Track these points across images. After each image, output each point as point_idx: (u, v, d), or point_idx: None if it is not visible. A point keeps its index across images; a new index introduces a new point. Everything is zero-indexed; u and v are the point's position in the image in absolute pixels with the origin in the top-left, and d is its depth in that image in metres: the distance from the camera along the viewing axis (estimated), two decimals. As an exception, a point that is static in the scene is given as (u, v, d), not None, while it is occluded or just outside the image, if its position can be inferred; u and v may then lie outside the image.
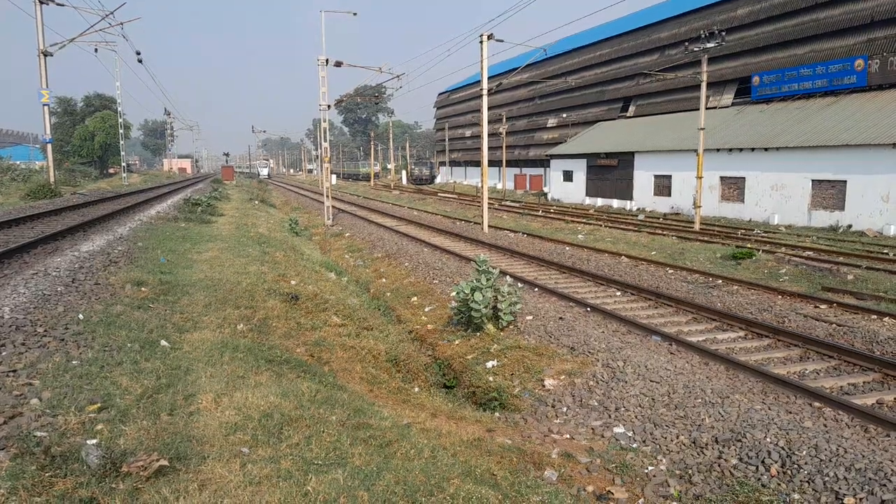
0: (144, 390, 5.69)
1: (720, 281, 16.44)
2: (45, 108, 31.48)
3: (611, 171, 46.33)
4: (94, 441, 4.48)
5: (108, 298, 8.92)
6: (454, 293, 11.95)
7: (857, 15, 33.38)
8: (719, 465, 6.48)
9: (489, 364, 10.37)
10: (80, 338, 6.89)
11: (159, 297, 9.61)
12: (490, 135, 34.05)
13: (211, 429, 5.11)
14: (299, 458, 4.79)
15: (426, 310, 14.53)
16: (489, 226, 28.93)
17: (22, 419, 4.75)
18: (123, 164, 59.72)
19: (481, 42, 27.12)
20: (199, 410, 5.46)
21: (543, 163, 61.17)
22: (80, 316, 7.71)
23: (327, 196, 34.85)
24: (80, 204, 24.23)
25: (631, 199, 44.33)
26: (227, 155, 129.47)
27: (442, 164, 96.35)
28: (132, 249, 13.84)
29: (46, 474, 3.97)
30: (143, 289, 9.87)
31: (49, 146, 33.15)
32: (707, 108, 31.63)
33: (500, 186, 67.31)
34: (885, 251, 21.56)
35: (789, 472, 6.23)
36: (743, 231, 28.19)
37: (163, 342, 7.30)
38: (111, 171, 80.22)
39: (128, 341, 7.02)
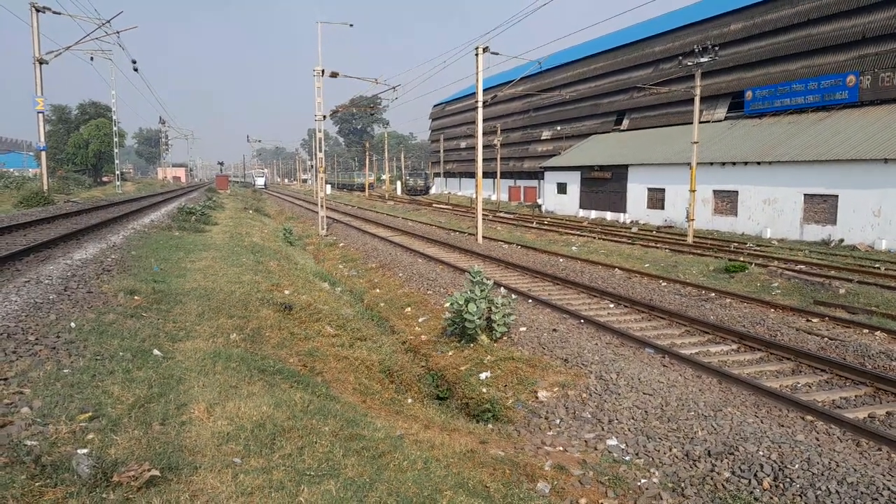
0: (136, 399, 5.65)
1: (713, 294, 16.50)
2: (40, 115, 31.46)
3: (604, 184, 46.53)
4: (84, 450, 4.45)
5: (101, 307, 8.88)
6: (448, 304, 11.95)
7: (848, 31, 33.75)
8: (712, 479, 6.48)
9: (482, 375, 10.35)
10: (71, 346, 6.85)
11: (152, 306, 9.57)
12: (485, 146, 34.24)
13: (203, 439, 5.08)
14: (292, 469, 4.77)
15: (420, 320, 14.52)
16: (483, 237, 28.97)
17: (12, 428, 4.71)
18: (117, 172, 59.56)
19: (477, 55, 27.26)
20: (191, 420, 5.43)
21: (538, 175, 61.40)
22: (72, 324, 7.67)
23: (322, 206, 34.86)
24: (73, 212, 24.14)
25: (624, 211, 44.50)
26: (221, 164, 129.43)
27: (437, 175, 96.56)
28: (125, 258, 13.79)
29: (36, 484, 3.94)
30: (135, 297, 9.83)
31: (43, 154, 33.08)
32: (700, 122, 31.82)
33: (494, 198, 67.48)
34: (876, 265, 21.69)
35: (781, 485, 6.23)
36: (736, 244, 28.31)
37: (155, 351, 7.26)
38: (105, 179, 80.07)
39: (120, 350, 6.99)
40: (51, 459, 4.25)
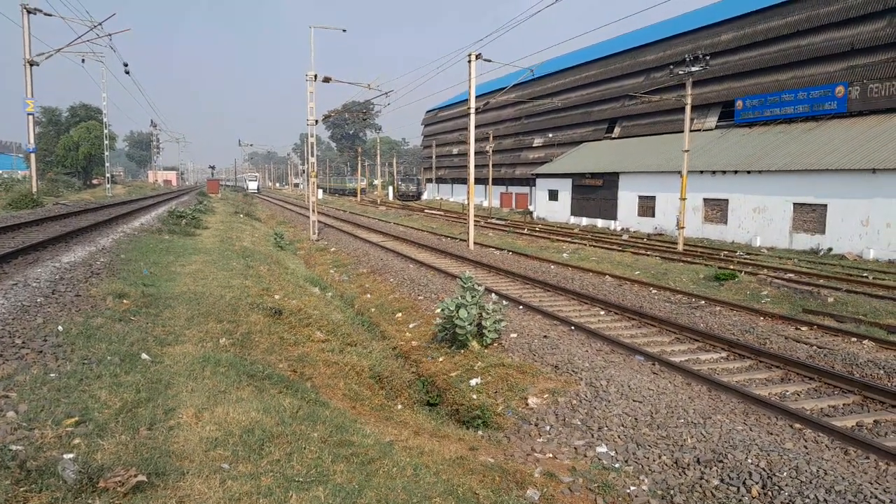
0: (124, 404, 5.61)
1: (703, 301, 16.57)
2: (30, 117, 31.31)
3: (596, 191, 46.72)
4: (70, 455, 4.40)
5: (89, 310, 8.81)
6: (439, 310, 11.94)
7: (838, 42, 34.10)
8: (701, 486, 6.49)
9: (473, 382, 10.34)
10: (58, 350, 6.79)
11: (141, 310, 9.51)
12: (476, 153, 34.30)
13: (191, 444, 5.05)
14: (280, 475, 4.74)
15: (411, 326, 14.49)
16: (475, 243, 28.99)
17: (-3, 432, 4.66)
18: (108, 175, 59.23)
19: (469, 61, 27.36)
20: (179, 425, 5.39)
21: (529, 181, 61.56)
22: (60, 328, 7.61)
23: (313, 211, 34.79)
24: (62, 214, 23.98)
25: (615, 218, 44.68)
26: (212, 168, 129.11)
27: (429, 180, 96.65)
28: (114, 261, 13.70)
29: (21, 489, 3.89)
30: (124, 301, 9.76)
31: (32, 156, 32.90)
32: (691, 131, 32.06)
33: (486, 204, 67.59)
34: (864, 275, 21.85)
35: (770, 493, 6.25)
36: (725, 252, 28.47)
37: (143, 355, 7.21)
38: (95, 181, 79.62)
39: (108, 354, 6.93)
40: (36, 464, 4.20)
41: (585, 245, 30.86)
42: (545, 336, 12.43)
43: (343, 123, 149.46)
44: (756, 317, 14.95)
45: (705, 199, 36.55)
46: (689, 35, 44.91)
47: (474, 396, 9.85)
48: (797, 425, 8.25)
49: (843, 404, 9.31)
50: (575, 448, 7.60)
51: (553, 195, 52.85)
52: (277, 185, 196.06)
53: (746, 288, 18.49)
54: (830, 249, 28.86)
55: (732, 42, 40.82)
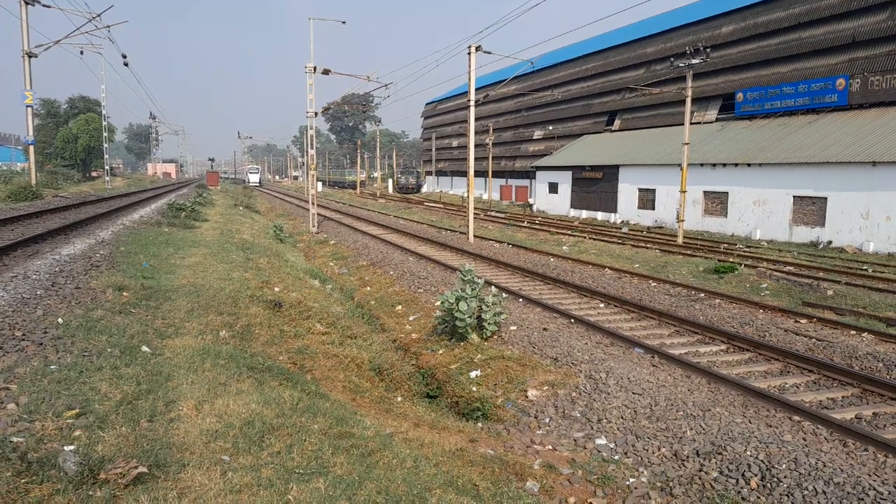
0: (124, 396, 5.61)
1: (702, 294, 16.58)
2: (29, 109, 31.19)
3: (596, 184, 46.67)
4: (71, 447, 4.41)
5: (89, 303, 8.81)
6: (439, 302, 11.95)
7: (838, 35, 33.99)
8: (700, 478, 6.51)
9: (473, 374, 10.36)
10: (59, 342, 6.79)
11: (141, 303, 9.51)
12: (476, 145, 34.25)
13: (191, 436, 5.06)
14: (280, 467, 4.75)
15: (411, 318, 14.51)
16: (475, 236, 28.97)
17: (-2, 424, 4.67)
18: (107, 167, 59.11)
19: (469, 54, 27.26)
20: (179, 417, 5.40)
21: (529, 174, 61.51)
22: (60, 320, 7.61)
23: (313, 203, 34.75)
24: (61, 207, 23.95)
25: (615, 211, 44.65)
26: (212, 160, 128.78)
27: (428, 173, 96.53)
28: (114, 254, 13.69)
29: (22, 480, 3.90)
30: (124, 293, 9.76)
31: (31, 148, 32.79)
32: (691, 124, 31.97)
33: (485, 197, 67.52)
34: (864, 267, 21.85)
35: (769, 485, 6.27)
36: (725, 245, 28.46)
37: (144, 348, 7.22)
38: (94, 174, 79.43)
39: (108, 346, 6.94)
40: (37, 456, 4.21)
41: (585, 238, 30.84)
42: (545, 328, 12.44)
43: (342, 116, 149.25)
44: (755, 309, 14.96)
45: (705, 192, 36.52)
46: (690, 27, 44.78)
47: (474, 389, 9.87)
48: (796, 417, 8.27)
49: (842, 397, 9.33)
50: (574, 440, 7.62)
51: (553, 188, 52.81)
52: (277, 177, 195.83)
53: (746, 281, 18.50)
54: (830, 242, 28.87)
55: (733, 34, 40.69)
